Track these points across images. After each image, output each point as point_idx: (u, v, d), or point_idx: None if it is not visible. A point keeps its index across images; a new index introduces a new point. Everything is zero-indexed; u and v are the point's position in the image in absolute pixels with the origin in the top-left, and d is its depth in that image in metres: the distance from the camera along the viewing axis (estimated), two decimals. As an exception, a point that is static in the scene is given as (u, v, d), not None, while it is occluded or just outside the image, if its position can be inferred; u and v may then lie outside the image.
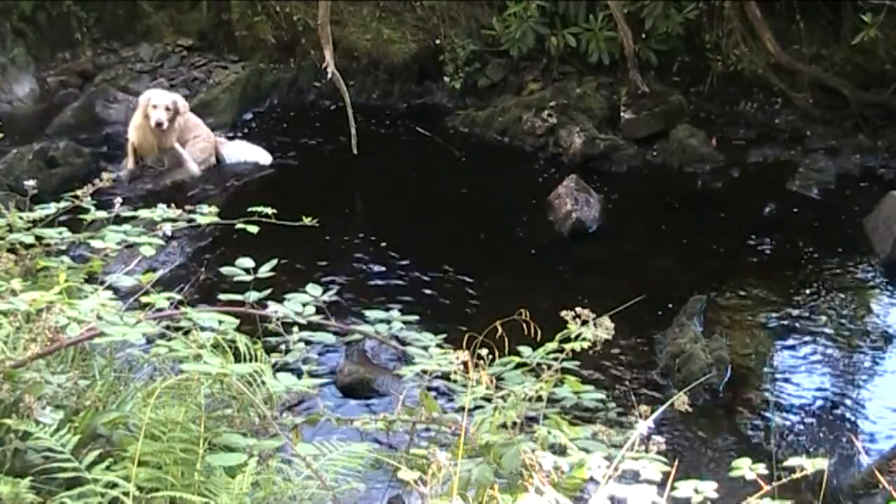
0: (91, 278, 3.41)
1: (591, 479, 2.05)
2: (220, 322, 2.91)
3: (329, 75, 7.14)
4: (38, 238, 3.40)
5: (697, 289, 5.89)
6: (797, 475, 1.97)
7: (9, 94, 8.81)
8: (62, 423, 2.41)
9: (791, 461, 1.98)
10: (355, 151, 7.16)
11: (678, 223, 7.03)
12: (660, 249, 6.63)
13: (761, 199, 7.28)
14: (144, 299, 2.93)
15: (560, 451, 2.35)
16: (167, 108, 7.27)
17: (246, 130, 8.49)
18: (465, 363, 2.65)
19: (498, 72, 8.90)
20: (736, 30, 8.27)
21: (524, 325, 2.92)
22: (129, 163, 7.48)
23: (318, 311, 3.27)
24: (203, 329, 2.86)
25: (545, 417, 2.66)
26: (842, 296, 6.04)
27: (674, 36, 8.31)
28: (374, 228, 6.91)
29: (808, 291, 6.10)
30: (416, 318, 3.50)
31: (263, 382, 2.73)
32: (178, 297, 3.07)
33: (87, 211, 3.57)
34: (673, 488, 1.96)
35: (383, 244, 6.62)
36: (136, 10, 9.51)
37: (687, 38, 8.45)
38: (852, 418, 4.94)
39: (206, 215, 3.56)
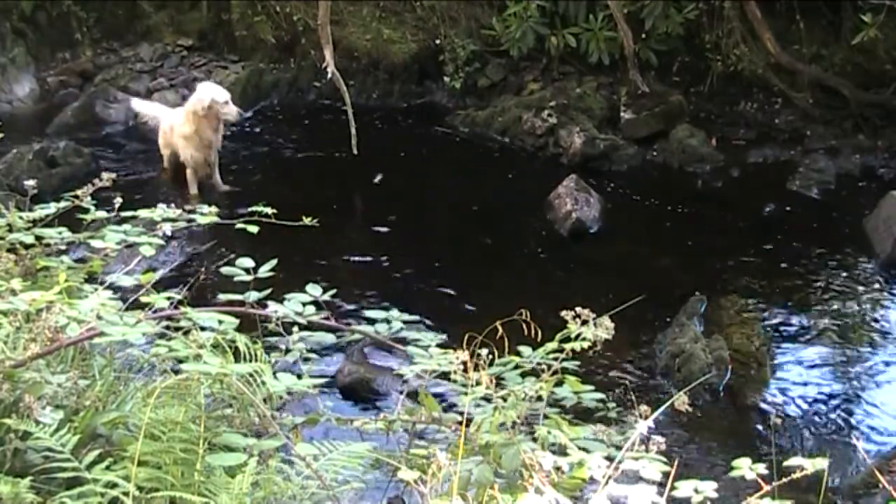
0: (91, 278, 3.41)
1: (591, 479, 2.05)
2: (220, 322, 2.91)
3: (329, 75, 7.13)
4: (38, 238, 3.40)
5: (697, 289, 5.89)
6: (797, 475, 1.97)
7: (9, 94, 8.82)
8: (62, 423, 2.41)
9: (791, 461, 1.98)
10: (355, 151, 7.15)
11: (678, 223, 7.03)
12: (660, 249, 6.63)
13: (761, 199, 7.28)
14: (144, 299, 2.93)
15: (560, 451, 2.35)
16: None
17: (246, 130, 8.50)
18: (465, 363, 2.64)
19: (498, 72, 8.91)
20: (736, 30, 8.27)
21: (524, 325, 2.91)
22: (192, 187, 7.18)
23: (318, 310, 3.27)
24: (203, 329, 2.86)
25: (545, 417, 2.66)
26: (842, 296, 6.04)
27: (674, 36, 8.32)
28: (374, 228, 6.91)
29: (807, 291, 6.10)
30: (416, 318, 3.50)
31: (263, 382, 2.72)
32: (178, 297, 3.07)
33: (87, 211, 3.57)
34: (673, 488, 1.96)
35: (383, 244, 6.62)
36: (136, 10, 9.52)
37: (687, 38, 8.45)
38: (852, 418, 4.93)
39: (207, 215, 3.56)
